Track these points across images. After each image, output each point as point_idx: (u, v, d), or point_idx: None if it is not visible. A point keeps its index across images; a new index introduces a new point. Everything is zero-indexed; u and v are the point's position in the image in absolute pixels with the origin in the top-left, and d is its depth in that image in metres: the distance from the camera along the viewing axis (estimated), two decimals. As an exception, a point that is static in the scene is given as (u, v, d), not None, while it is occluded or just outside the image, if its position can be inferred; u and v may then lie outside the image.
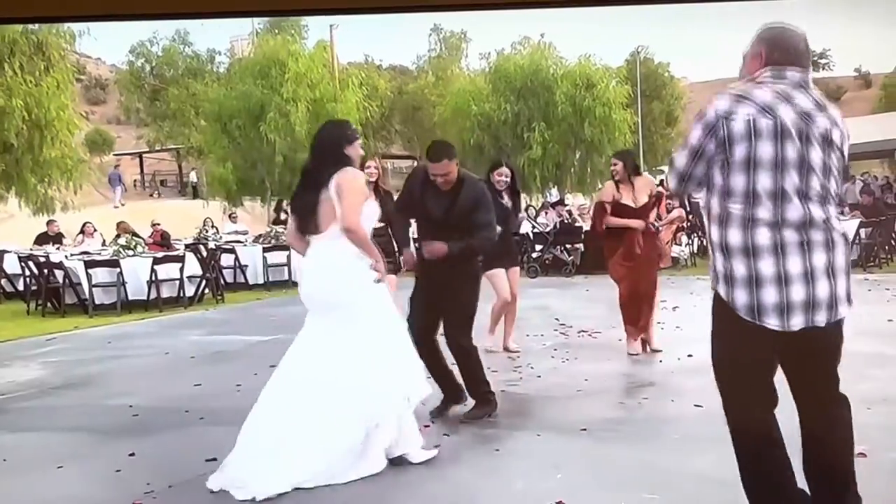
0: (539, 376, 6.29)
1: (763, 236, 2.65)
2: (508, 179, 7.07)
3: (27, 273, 12.47)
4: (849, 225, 13.25)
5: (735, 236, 2.69)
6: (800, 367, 2.84)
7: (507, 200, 6.97)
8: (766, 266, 2.66)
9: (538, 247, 14.28)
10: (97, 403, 6.19)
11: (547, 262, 14.05)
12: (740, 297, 2.70)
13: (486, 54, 25.84)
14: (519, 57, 20.93)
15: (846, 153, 2.78)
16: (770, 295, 2.66)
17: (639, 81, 26.88)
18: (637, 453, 4.30)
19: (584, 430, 4.75)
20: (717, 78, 54.29)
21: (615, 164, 6.96)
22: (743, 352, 2.79)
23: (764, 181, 2.63)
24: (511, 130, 20.10)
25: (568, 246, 14.10)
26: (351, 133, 4.38)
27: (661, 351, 6.92)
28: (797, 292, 2.65)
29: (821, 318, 2.68)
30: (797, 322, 2.67)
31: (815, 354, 2.80)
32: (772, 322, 2.67)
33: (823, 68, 56.85)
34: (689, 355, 6.82)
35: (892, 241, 14.30)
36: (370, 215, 4.31)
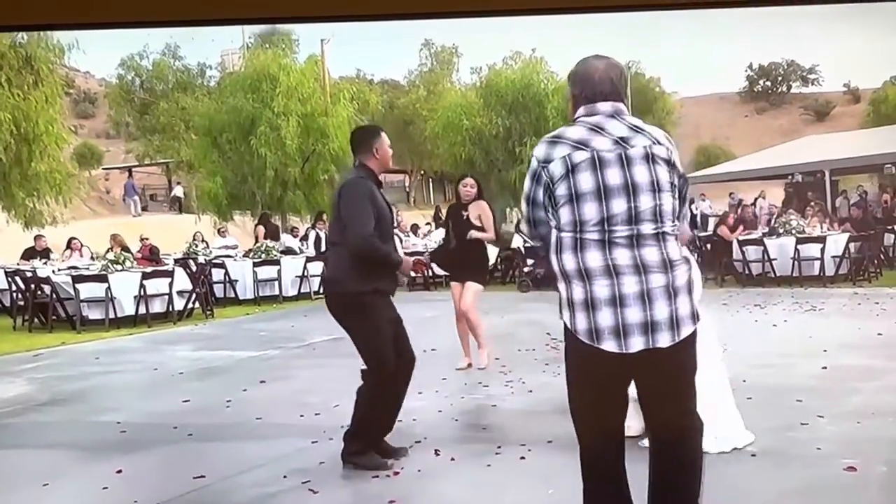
0: (531, 391, 6.27)
1: (594, 259, 2.69)
2: (475, 190, 7.03)
3: (14, 288, 12.37)
4: (838, 239, 13.37)
5: (569, 262, 2.72)
6: (648, 389, 2.85)
7: (468, 213, 6.93)
8: (600, 288, 2.68)
9: (529, 261, 14.27)
10: (84, 420, 6.14)
11: (538, 276, 14.03)
12: (580, 322, 2.71)
13: (477, 69, 25.94)
14: (510, 72, 20.97)
15: (678, 166, 2.82)
16: (606, 318, 2.67)
17: (629, 96, 26.91)
18: (629, 468, 4.26)
19: (575, 445, 4.71)
20: (709, 93, 54.73)
21: None
22: (589, 377, 2.80)
23: (590, 210, 2.69)
24: (502, 145, 20.11)
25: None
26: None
27: None
28: (633, 314, 2.66)
29: (662, 340, 2.68)
30: (636, 343, 2.66)
31: (663, 375, 2.77)
32: (609, 345, 2.67)
33: (812, 84, 57.33)
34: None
35: (881, 255, 14.36)
36: None
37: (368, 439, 4.50)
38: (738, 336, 7.77)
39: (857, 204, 18.51)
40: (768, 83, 57.80)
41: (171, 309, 11.77)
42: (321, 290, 4.80)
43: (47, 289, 11.53)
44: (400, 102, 30.19)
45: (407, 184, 36.13)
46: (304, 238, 17.24)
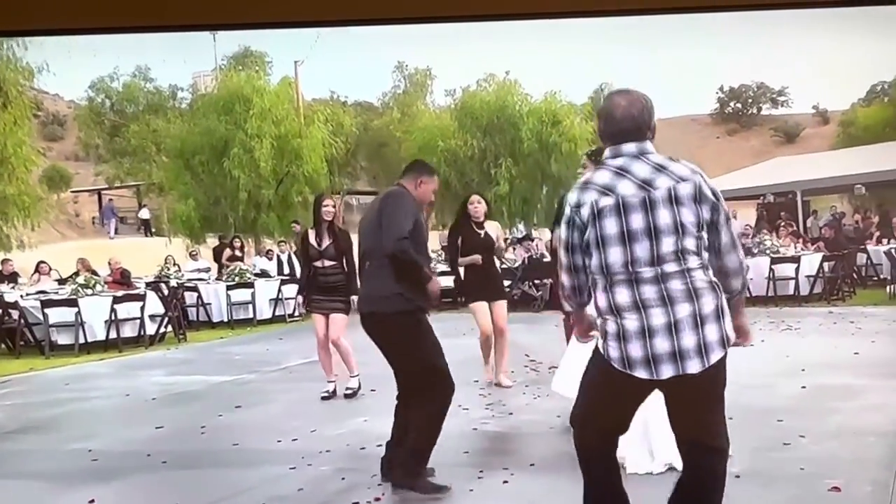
0: (511, 413, 6.20)
1: (623, 296, 2.87)
2: (485, 207, 7.12)
3: (-19, 313, 12.08)
4: (812, 259, 13.50)
5: (601, 300, 2.93)
6: (679, 411, 3.01)
7: (486, 230, 7.01)
8: (630, 322, 2.86)
9: (506, 282, 14.23)
10: (55, 448, 5.96)
11: (515, 297, 13.99)
12: (612, 351, 2.90)
13: (451, 91, 26.00)
14: (485, 94, 21.06)
15: (709, 196, 2.89)
16: (636, 349, 2.85)
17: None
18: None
19: (557, 468, 4.66)
20: (681, 115, 55.25)
21: None
22: (612, 392, 2.99)
23: (615, 253, 2.86)
24: (478, 166, 20.17)
25: (536, 281, 14.09)
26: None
27: None
28: (661, 344, 2.83)
29: (692, 367, 2.83)
30: (666, 371, 2.84)
31: (693, 399, 2.95)
32: (641, 373, 2.86)
33: (782, 105, 58.15)
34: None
35: (854, 275, 14.52)
36: None
37: (427, 461, 4.35)
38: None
39: (830, 224, 18.75)
40: (739, 105, 58.53)
41: (142, 333, 11.58)
42: (360, 310, 4.47)
43: (15, 314, 11.28)
44: (374, 124, 30.16)
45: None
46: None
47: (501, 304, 7.16)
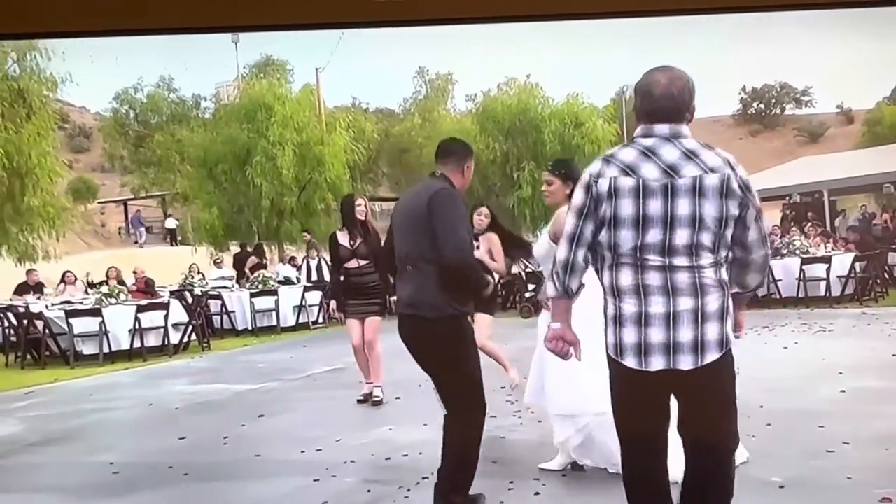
0: (540, 421, 6.00)
1: (626, 279, 2.77)
2: (488, 220, 6.63)
3: (6, 324, 12.13)
4: (843, 259, 13.19)
5: (605, 278, 2.84)
6: (680, 413, 2.89)
7: (478, 244, 6.63)
8: (628, 306, 2.76)
9: (531, 286, 14.07)
10: (76, 461, 5.88)
11: (539, 301, 13.83)
12: (609, 336, 2.82)
13: (472, 95, 25.87)
14: (506, 97, 20.92)
15: (738, 191, 2.73)
16: (630, 335, 2.76)
17: (623, 119, 26.97)
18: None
19: (589, 477, 4.49)
20: (703, 116, 54.90)
21: None
22: (620, 390, 2.89)
23: (625, 236, 2.73)
24: (500, 170, 20.02)
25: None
26: None
27: None
28: (656, 334, 2.73)
29: (684, 363, 2.72)
30: (656, 363, 2.73)
31: (688, 397, 2.84)
32: (630, 362, 2.76)
33: (805, 105, 57.54)
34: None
35: (885, 275, 14.18)
36: None
37: (466, 489, 3.99)
38: (750, 359, 7.54)
39: (858, 225, 18.37)
40: (762, 105, 58.04)
41: (166, 342, 11.54)
42: (399, 313, 4.03)
43: (40, 324, 11.29)
44: (395, 130, 30.10)
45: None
46: (299, 267, 17.04)
47: (479, 319, 6.55)
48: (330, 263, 7.31)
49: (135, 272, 14.29)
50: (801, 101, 57.92)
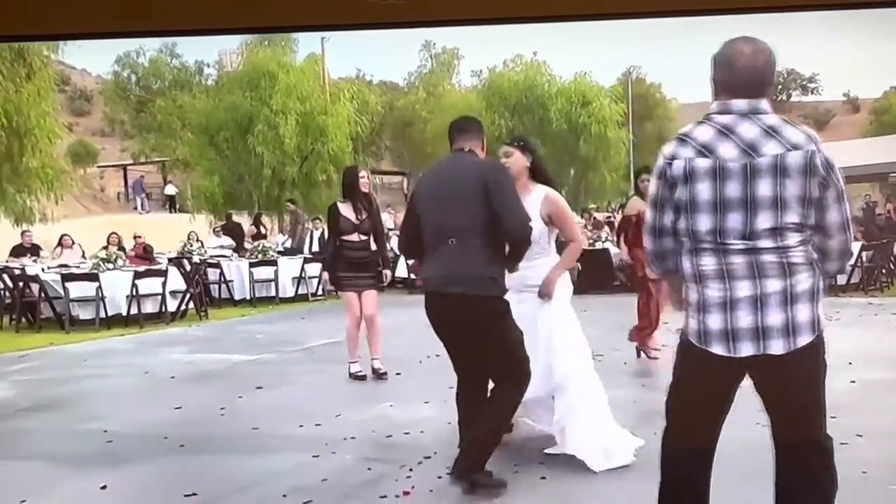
0: (544, 405, 5.89)
1: (709, 263, 2.63)
2: None
3: (1, 286, 11.97)
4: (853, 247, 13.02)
5: (686, 264, 2.69)
6: (767, 399, 2.73)
7: None
8: (712, 292, 2.62)
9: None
10: (68, 428, 5.75)
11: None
12: (691, 324, 2.69)
13: (478, 71, 25.61)
14: (513, 73, 20.66)
15: (818, 170, 2.57)
16: (715, 321, 2.62)
17: (629, 100, 26.73)
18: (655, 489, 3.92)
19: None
20: (709, 100, 54.55)
21: (647, 180, 7.02)
22: (695, 377, 2.74)
23: (704, 221, 2.60)
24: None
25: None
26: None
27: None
28: (743, 319, 2.59)
29: (775, 347, 2.57)
30: (745, 349, 2.59)
31: (780, 385, 2.66)
32: (718, 349, 2.62)
33: (812, 93, 57.26)
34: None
35: (891, 265, 14.04)
36: None
37: (490, 453, 4.03)
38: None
39: (863, 212, 18.22)
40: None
41: (163, 309, 11.40)
42: (438, 289, 3.92)
43: (36, 287, 11.14)
44: (399, 104, 29.81)
45: (405, 185, 35.81)
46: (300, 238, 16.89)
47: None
48: (327, 234, 7.15)
49: (136, 237, 14.12)
50: (808, 89, 57.72)
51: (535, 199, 4.39)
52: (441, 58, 29.12)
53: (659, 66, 74.31)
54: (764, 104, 2.63)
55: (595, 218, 15.08)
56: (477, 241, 3.78)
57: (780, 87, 57.69)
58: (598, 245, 13.70)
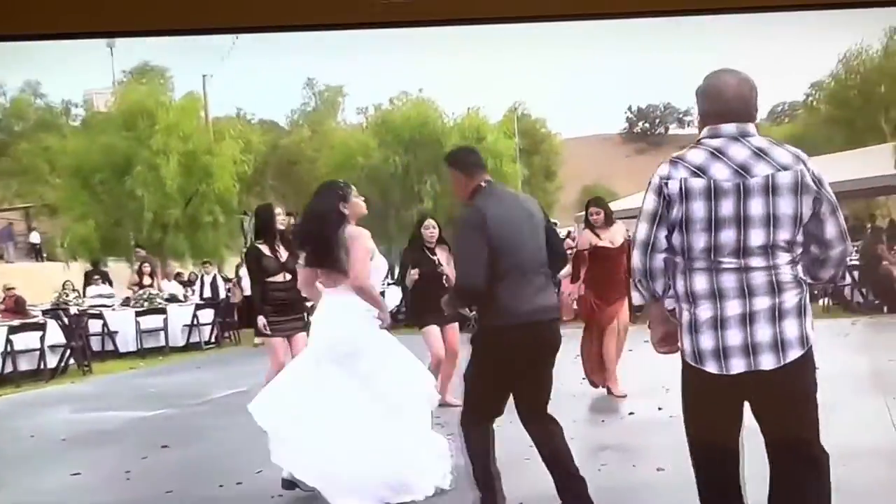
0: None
1: (701, 283, 2.73)
2: (437, 232, 6.95)
3: None
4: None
5: (679, 285, 2.79)
6: (760, 414, 2.80)
7: (437, 257, 6.82)
8: (703, 311, 2.72)
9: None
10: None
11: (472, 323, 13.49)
12: (685, 343, 2.79)
13: (363, 108, 25.49)
14: (406, 108, 20.63)
15: (812, 185, 2.71)
16: (707, 340, 2.72)
17: (516, 135, 27.23)
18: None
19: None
20: (591, 134, 56.34)
21: (597, 213, 7.04)
22: (698, 395, 2.83)
23: (698, 239, 2.71)
24: (400, 184, 19.62)
25: (469, 301, 13.62)
26: (346, 191, 4.58)
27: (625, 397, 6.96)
28: (733, 336, 2.69)
29: (766, 362, 2.67)
30: (736, 366, 2.69)
31: (772, 399, 2.74)
32: (711, 367, 2.72)
33: (688, 125, 60.36)
34: (631, 413, 6.47)
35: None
36: (378, 269, 4.61)
37: None
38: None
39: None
40: (647, 125, 60.48)
41: (42, 366, 10.49)
42: (539, 318, 3.84)
43: None
44: (283, 142, 29.26)
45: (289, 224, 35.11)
46: (190, 284, 16.11)
47: (454, 327, 6.91)
48: (251, 278, 6.73)
49: (7, 289, 12.99)
50: (684, 122, 60.68)
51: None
52: (324, 95, 28.85)
53: (543, 101, 76.27)
54: (751, 128, 2.78)
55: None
56: (546, 271, 3.93)
57: (658, 120, 60.58)
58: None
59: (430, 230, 6.88)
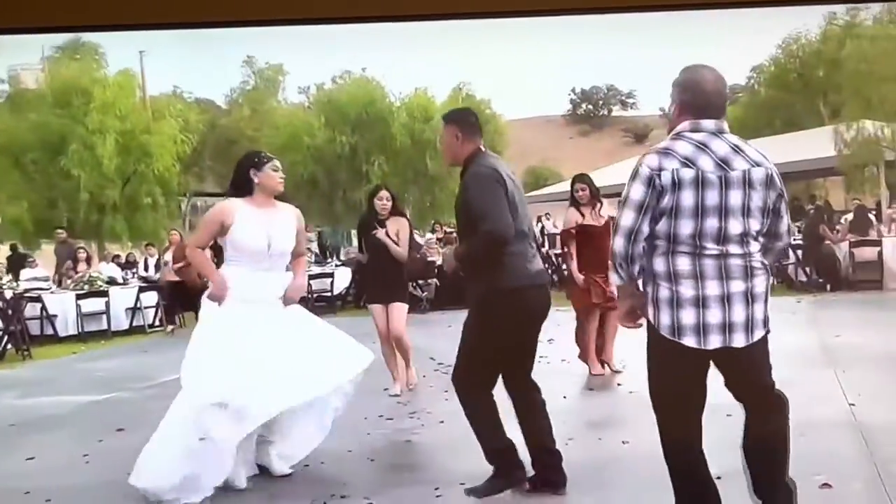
0: (441, 422, 5.68)
1: (683, 264, 2.96)
2: (391, 204, 6.59)
3: None
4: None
5: (660, 264, 3.00)
6: (730, 379, 3.13)
7: (386, 229, 6.47)
8: (686, 290, 2.95)
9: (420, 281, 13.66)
10: None
11: (424, 304, 13.44)
12: (663, 318, 2.99)
13: (305, 88, 25.09)
14: (353, 87, 20.36)
15: (776, 184, 3.04)
16: (688, 316, 2.95)
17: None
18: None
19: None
20: (535, 115, 56.14)
21: (583, 189, 6.86)
22: (670, 369, 3.07)
23: (685, 226, 2.94)
24: (347, 164, 19.38)
25: (420, 282, 13.58)
26: (262, 161, 4.55)
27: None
28: (713, 315, 2.94)
29: (738, 340, 2.96)
30: (713, 341, 2.96)
31: (740, 371, 3.09)
32: (689, 341, 2.96)
33: (631, 108, 60.77)
34: (591, 389, 6.62)
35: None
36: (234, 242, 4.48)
37: None
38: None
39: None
40: (590, 107, 60.72)
41: (-22, 352, 10.16)
42: (543, 284, 4.05)
43: None
44: (222, 122, 28.61)
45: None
46: (130, 266, 15.73)
47: (396, 307, 6.54)
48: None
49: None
50: (627, 104, 61.12)
51: (289, 216, 4.62)
52: (265, 73, 28.27)
53: (487, 81, 75.87)
54: (725, 125, 3.04)
55: (446, 232, 15.05)
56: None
57: (601, 102, 60.82)
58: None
59: (384, 202, 6.49)
